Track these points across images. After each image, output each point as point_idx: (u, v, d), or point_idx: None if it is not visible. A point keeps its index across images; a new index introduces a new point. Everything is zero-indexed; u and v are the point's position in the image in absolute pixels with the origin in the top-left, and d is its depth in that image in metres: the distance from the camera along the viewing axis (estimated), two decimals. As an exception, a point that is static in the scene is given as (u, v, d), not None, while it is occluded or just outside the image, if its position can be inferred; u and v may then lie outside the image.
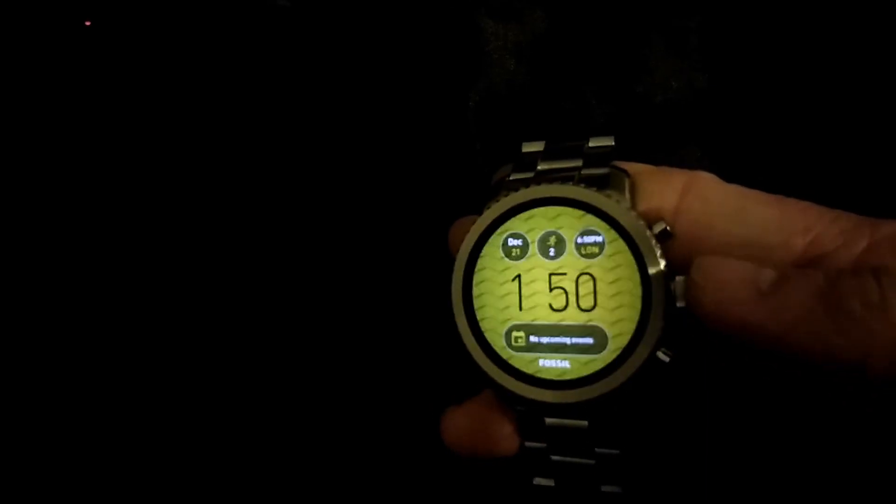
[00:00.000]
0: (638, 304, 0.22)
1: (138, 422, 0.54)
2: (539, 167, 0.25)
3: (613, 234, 0.23)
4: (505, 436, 0.24)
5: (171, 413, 0.54)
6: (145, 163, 0.60)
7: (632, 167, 0.25)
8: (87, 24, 0.62)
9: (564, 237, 0.24)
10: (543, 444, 0.24)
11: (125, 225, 0.59)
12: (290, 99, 0.61)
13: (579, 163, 0.25)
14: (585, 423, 0.23)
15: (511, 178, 0.25)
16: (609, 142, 0.25)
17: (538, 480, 0.24)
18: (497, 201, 0.25)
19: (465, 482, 0.52)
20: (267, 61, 0.62)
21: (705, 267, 0.20)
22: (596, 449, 0.23)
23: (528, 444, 0.24)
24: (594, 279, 0.23)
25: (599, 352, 0.23)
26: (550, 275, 0.24)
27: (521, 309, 0.24)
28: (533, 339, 0.24)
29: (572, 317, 0.23)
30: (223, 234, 0.58)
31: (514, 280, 0.24)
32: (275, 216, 0.59)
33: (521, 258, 0.24)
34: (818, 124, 0.56)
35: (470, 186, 0.59)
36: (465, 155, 0.60)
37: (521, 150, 0.26)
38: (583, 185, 0.24)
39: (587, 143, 0.25)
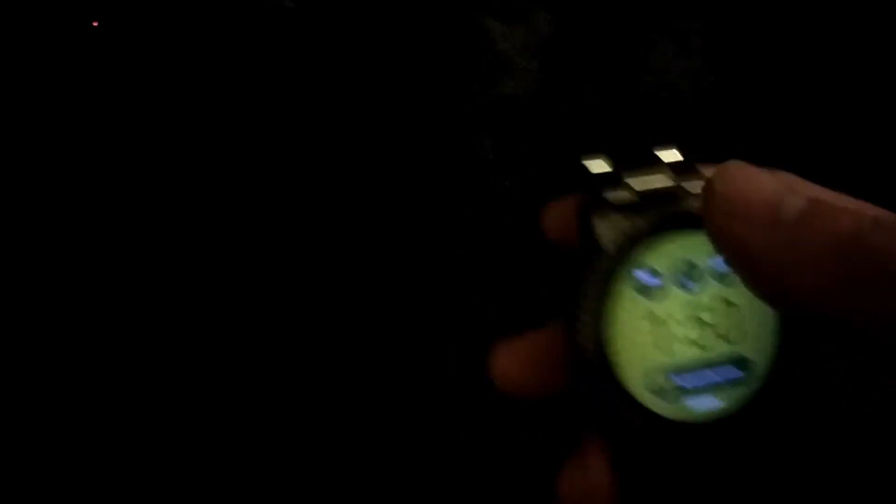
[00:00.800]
0: (776, 326, 0.21)
1: (138, 422, 0.54)
2: (626, 181, 0.22)
3: None
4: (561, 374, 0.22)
5: (170, 413, 0.54)
6: (153, 162, 0.60)
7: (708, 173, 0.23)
8: (95, 24, 0.62)
9: (697, 263, 0.22)
10: None
11: (131, 225, 0.59)
12: (296, 100, 0.61)
13: (667, 174, 0.22)
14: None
15: (610, 198, 0.22)
16: (674, 150, 0.23)
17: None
18: (616, 227, 0.22)
19: (468, 483, 0.52)
20: (273, 63, 0.62)
21: (731, 174, 0.18)
22: None
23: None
24: (736, 306, 0.22)
25: (749, 382, 0.21)
26: (689, 306, 0.22)
27: (660, 349, 0.22)
28: (677, 379, 0.22)
29: (717, 348, 0.22)
30: (229, 235, 0.58)
31: (647, 318, 0.22)
32: (280, 218, 0.59)
33: (655, 293, 0.22)
34: (821, 125, 0.56)
35: (470, 186, 0.59)
36: (466, 155, 0.60)
37: (585, 167, 0.23)
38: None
39: (655, 154, 0.23)
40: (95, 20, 0.62)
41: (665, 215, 0.22)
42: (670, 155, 0.23)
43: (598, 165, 0.23)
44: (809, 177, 0.24)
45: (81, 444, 0.54)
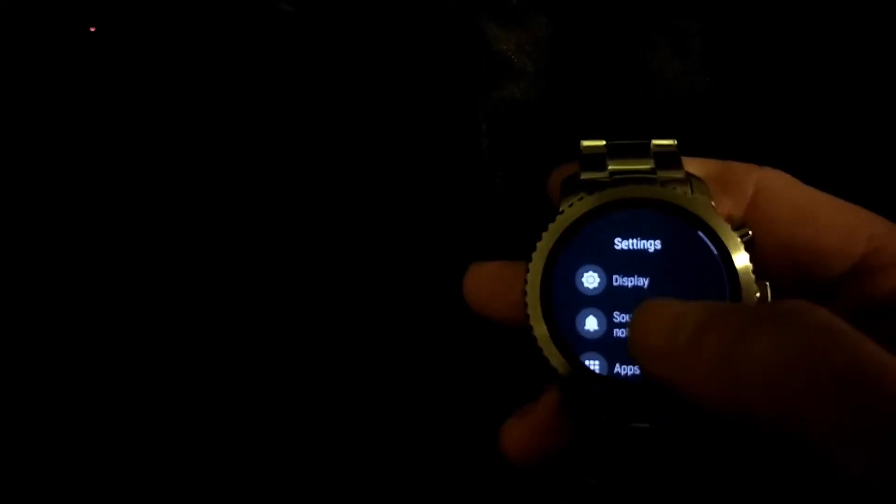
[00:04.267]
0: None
1: (138, 422, 0.54)
2: (609, 167, 0.24)
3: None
4: (564, 441, 0.24)
5: (170, 413, 0.54)
6: (150, 167, 0.60)
7: (699, 164, 0.24)
8: (92, 29, 0.62)
9: (631, 240, 0.23)
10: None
11: (129, 228, 0.59)
12: (294, 103, 0.61)
13: (651, 164, 0.24)
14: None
15: (583, 177, 0.24)
16: (672, 142, 0.24)
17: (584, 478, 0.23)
18: (580, 199, 0.23)
19: (468, 483, 0.52)
20: (271, 67, 0.62)
21: (639, 314, 0.20)
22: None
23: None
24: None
25: None
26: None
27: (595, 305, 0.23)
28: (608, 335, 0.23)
29: None
30: (229, 237, 0.59)
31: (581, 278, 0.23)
32: (280, 220, 0.59)
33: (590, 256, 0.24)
34: (820, 126, 0.57)
35: (470, 186, 0.59)
36: (466, 156, 0.60)
37: (580, 148, 0.25)
38: (671, 187, 0.23)
39: (650, 143, 0.24)
40: (92, 25, 0.62)
41: (617, 194, 0.23)
42: (661, 145, 0.24)
43: (590, 147, 0.25)
44: (809, 177, 0.24)
45: (81, 444, 0.54)
